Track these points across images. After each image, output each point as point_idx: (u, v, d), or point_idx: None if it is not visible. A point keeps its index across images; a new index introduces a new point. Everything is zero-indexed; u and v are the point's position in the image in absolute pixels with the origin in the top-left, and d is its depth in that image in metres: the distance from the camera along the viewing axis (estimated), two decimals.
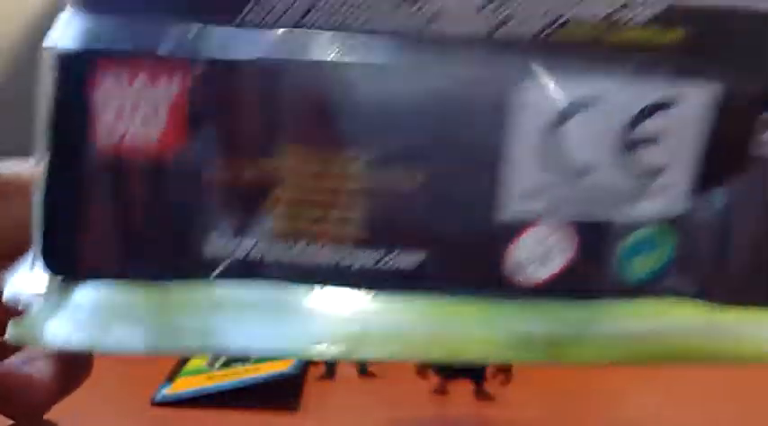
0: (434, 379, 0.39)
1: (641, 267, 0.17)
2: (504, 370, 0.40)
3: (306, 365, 0.39)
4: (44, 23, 0.69)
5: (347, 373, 0.41)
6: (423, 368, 0.40)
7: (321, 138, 0.16)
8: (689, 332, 0.17)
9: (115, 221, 0.16)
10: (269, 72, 0.16)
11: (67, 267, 0.17)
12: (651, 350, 0.17)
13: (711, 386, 0.37)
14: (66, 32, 0.15)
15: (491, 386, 0.39)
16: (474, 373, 0.39)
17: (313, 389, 0.39)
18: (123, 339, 0.16)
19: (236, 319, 0.16)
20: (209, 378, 0.39)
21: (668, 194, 0.17)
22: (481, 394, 0.38)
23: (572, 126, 0.16)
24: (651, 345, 0.17)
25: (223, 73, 0.15)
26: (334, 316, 0.17)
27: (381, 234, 0.17)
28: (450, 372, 0.39)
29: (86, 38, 0.15)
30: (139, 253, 0.16)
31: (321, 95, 0.16)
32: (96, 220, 0.16)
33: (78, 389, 0.23)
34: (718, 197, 0.17)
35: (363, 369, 0.41)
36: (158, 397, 0.38)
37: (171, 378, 0.40)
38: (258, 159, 0.16)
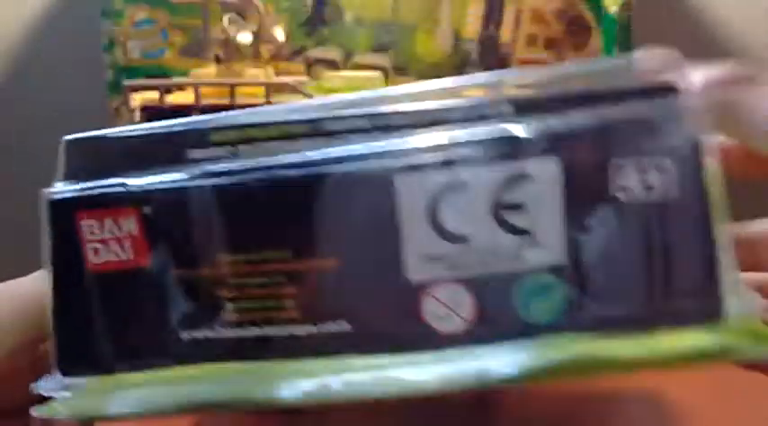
0: None
1: (542, 310, 0.20)
2: None
3: None
4: (43, 25, 0.69)
5: None
6: None
7: (246, 244, 0.21)
8: (604, 344, 0.20)
9: (108, 322, 0.22)
10: (198, 198, 0.21)
11: (79, 364, 0.22)
12: (578, 364, 0.20)
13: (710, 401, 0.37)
14: (58, 187, 0.22)
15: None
16: None
17: None
18: (126, 405, 0.21)
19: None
20: None
21: (544, 248, 0.20)
22: (481, 394, 0.38)
23: (445, 206, 0.20)
24: (578, 359, 0.20)
25: (165, 205, 0.21)
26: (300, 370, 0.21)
27: (312, 312, 0.21)
28: None
29: (70, 192, 0.22)
30: (129, 346, 0.22)
31: (240, 211, 0.21)
32: (94, 323, 0.22)
33: None
34: (590, 242, 0.20)
35: None
36: None
37: None
38: (203, 266, 0.21)
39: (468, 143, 0.20)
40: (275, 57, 0.56)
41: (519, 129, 0.20)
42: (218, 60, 0.54)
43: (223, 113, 0.22)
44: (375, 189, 0.20)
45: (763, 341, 0.19)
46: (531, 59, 0.58)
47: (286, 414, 0.37)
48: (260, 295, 0.21)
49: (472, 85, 0.22)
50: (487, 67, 0.58)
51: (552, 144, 0.20)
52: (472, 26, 0.57)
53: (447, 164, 0.20)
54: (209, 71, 0.53)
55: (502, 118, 0.21)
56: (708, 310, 0.20)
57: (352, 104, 0.22)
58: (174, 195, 0.21)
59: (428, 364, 0.20)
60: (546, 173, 0.20)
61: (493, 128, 0.20)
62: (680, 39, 0.67)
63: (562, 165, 0.20)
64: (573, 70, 0.22)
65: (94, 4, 0.59)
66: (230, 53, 0.53)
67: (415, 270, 0.20)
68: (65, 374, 0.22)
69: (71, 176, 0.22)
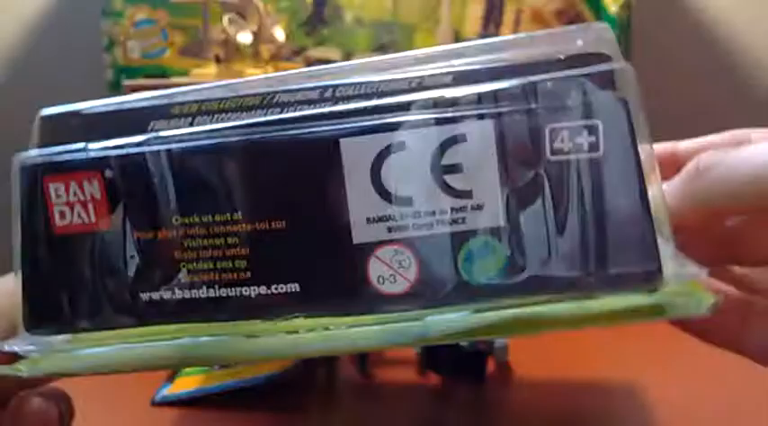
0: (434, 379, 0.39)
1: (483, 271, 0.21)
2: (504, 370, 0.40)
3: (306, 365, 0.39)
4: (43, 25, 0.69)
5: (347, 373, 0.41)
6: (423, 368, 0.40)
7: (199, 207, 0.22)
8: (555, 305, 0.21)
9: (71, 283, 0.22)
10: (153, 162, 0.22)
11: (45, 322, 0.23)
12: (517, 323, 0.21)
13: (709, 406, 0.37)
14: (31, 151, 0.23)
15: (491, 386, 0.39)
16: (474, 373, 0.39)
17: (313, 389, 0.39)
18: (92, 362, 0.22)
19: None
20: (209, 378, 0.39)
21: (484, 210, 0.21)
22: (481, 394, 0.38)
23: (388, 169, 0.21)
24: (516, 318, 0.21)
25: (124, 168, 0.22)
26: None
27: (264, 273, 0.22)
28: (450, 372, 0.39)
29: (39, 157, 0.23)
30: (91, 306, 0.22)
31: (194, 174, 0.22)
32: (60, 284, 0.22)
33: (78, 390, 0.23)
34: (528, 204, 0.21)
35: (363, 369, 0.41)
36: (158, 397, 0.38)
37: (171, 378, 0.40)
38: (161, 229, 0.22)
39: (408, 106, 0.21)
40: (275, 57, 0.56)
41: (456, 94, 0.21)
42: (218, 60, 0.54)
43: (185, 88, 0.24)
44: (321, 152, 0.21)
45: (698, 300, 0.20)
46: None
47: (285, 414, 0.37)
48: (213, 256, 0.22)
49: (417, 59, 0.23)
50: None
51: (486, 107, 0.21)
52: (472, 26, 0.57)
53: (389, 127, 0.21)
54: (209, 71, 0.53)
55: (441, 86, 0.22)
56: (647, 275, 0.21)
57: (303, 77, 0.23)
58: (132, 159, 0.22)
59: (373, 324, 0.21)
60: (481, 135, 0.21)
61: (431, 93, 0.21)
62: (680, 39, 0.67)
63: (496, 127, 0.21)
64: (510, 41, 0.23)
65: (94, 4, 0.59)
66: (230, 53, 0.53)
67: (360, 233, 0.21)
68: (31, 332, 0.23)
69: (43, 147, 0.23)
